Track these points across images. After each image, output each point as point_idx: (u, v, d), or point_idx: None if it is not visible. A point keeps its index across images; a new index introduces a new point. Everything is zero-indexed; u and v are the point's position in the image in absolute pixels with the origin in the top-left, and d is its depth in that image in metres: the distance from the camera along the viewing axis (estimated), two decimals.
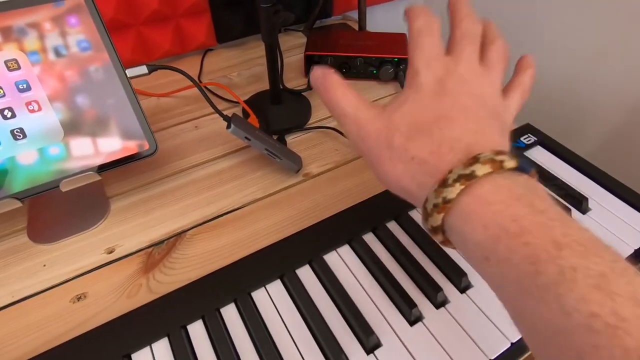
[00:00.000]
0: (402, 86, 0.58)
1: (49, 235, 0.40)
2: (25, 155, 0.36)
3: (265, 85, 0.57)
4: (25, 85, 0.35)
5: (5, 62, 0.34)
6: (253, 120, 0.49)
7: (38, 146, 0.36)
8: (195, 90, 0.58)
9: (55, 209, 0.42)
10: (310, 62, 0.59)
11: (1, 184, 0.35)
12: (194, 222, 0.42)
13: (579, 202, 0.36)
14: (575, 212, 0.36)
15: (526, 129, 0.44)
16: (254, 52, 0.67)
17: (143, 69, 0.40)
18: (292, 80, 0.61)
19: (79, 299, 0.35)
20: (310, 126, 0.52)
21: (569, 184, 0.38)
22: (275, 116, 0.52)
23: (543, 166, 0.40)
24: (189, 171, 0.47)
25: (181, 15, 0.61)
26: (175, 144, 0.50)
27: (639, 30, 0.58)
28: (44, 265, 0.38)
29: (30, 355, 0.30)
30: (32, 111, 0.35)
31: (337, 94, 0.23)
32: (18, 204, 0.36)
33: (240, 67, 0.64)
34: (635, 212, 0.35)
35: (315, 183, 0.46)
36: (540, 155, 0.41)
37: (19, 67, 0.35)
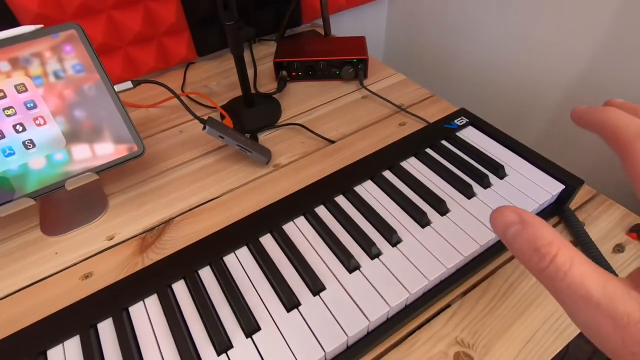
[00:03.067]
0: (361, 84, 0.65)
1: (58, 228, 0.47)
2: (36, 162, 0.43)
3: (240, 92, 0.65)
4: (32, 104, 0.43)
5: (15, 86, 0.42)
6: (228, 122, 0.56)
7: (45, 153, 0.43)
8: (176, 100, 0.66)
9: (62, 207, 0.49)
10: (279, 68, 0.66)
11: (17, 186, 0.42)
12: (180, 211, 0.49)
13: (496, 169, 0.43)
14: (493, 178, 0.43)
15: (461, 112, 0.51)
16: (230, 63, 0.75)
17: (128, 84, 0.47)
18: (266, 85, 0.68)
19: (86, 277, 0.43)
20: (280, 124, 0.60)
21: (490, 155, 0.45)
22: (249, 117, 0.59)
23: (471, 142, 0.47)
24: (175, 169, 0.55)
25: (162, 35, 0.68)
26: (162, 148, 0.58)
27: (570, 20, 0.65)
28: (56, 253, 0.45)
29: None
30: (39, 125, 0.43)
31: (572, 268, 0.15)
32: (32, 202, 0.43)
33: (219, 77, 0.72)
34: (544, 173, 0.42)
35: (283, 172, 0.53)
36: (469, 134, 0.48)
37: (26, 90, 0.42)
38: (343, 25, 0.91)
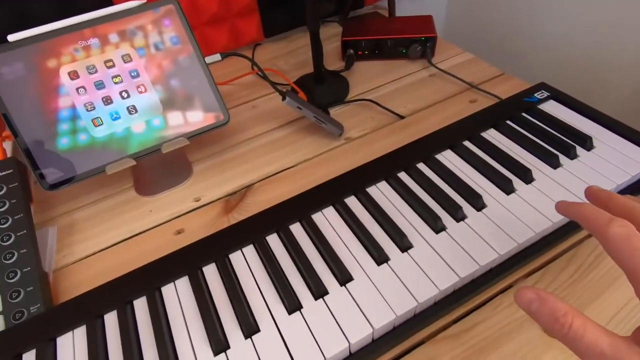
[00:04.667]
0: (429, 62, 0.65)
1: (150, 189, 0.52)
2: (137, 126, 0.47)
3: (307, 70, 0.67)
4: (136, 73, 0.47)
5: (122, 56, 0.46)
6: (302, 95, 0.58)
7: (145, 118, 0.48)
8: (250, 77, 0.70)
9: (153, 171, 0.53)
10: (346, 46, 0.67)
11: (122, 147, 0.47)
12: (259, 178, 0.52)
13: (584, 140, 0.42)
14: (580, 150, 0.42)
15: (540, 86, 0.50)
16: (297, 43, 0.77)
17: (217, 57, 0.50)
18: (331, 64, 0.70)
19: (179, 232, 0.47)
20: (349, 100, 0.61)
21: (577, 127, 0.44)
22: (320, 93, 0.61)
23: (555, 116, 0.46)
24: (251, 140, 0.58)
25: (235, 16, 0.72)
26: (238, 121, 0.61)
27: None
28: (150, 211, 0.50)
29: None
30: (141, 92, 0.47)
31: (586, 332, 0.20)
32: (133, 163, 0.47)
33: (286, 57, 0.74)
34: (634, 145, 0.41)
35: (355, 145, 0.54)
36: (552, 108, 0.47)
37: (131, 60, 0.47)
38: (402, 7, 0.91)
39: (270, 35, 0.77)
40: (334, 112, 0.60)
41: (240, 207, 0.48)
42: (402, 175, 0.42)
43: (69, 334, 0.33)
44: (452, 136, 0.45)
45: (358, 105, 0.61)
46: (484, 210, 0.37)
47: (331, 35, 0.78)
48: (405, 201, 0.39)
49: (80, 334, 0.33)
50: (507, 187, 0.39)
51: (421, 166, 0.43)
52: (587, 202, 0.27)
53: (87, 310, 0.34)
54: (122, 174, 0.54)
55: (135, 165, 0.48)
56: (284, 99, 0.51)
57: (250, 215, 0.41)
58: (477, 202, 0.38)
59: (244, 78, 0.68)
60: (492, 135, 0.45)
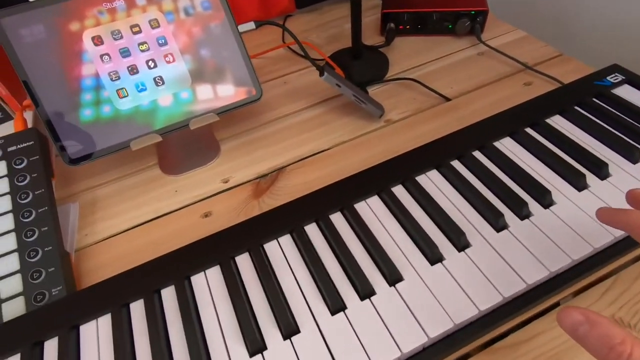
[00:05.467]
0: (479, 39, 0.59)
1: (175, 168, 0.48)
2: (164, 99, 0.44)
3: (340, 45, 0.62)
4: (163, 40, 0.43)
5: (149, 21, 0.42)
6: (339, 72, 0.54)
7: (173, 91, 0.44)
8: (280, 51, 0.65)
9: (178, 149, 0.50)
10: (386, 20, 0.62)
11: (147, 121, 0.43)
12: (291, 160, 0.48)
13: None
14: None
15: (613, 68, 0.44)
16: (329, 15, 0.72)
17: (251, 25, 0.46)
18: (369, 38, 0.65)
19: (206, 215, 0.44)
20: (388, 78, 0.56)
21: None
22: (357, 70, 0.56)
23: (631, 102, 0.40)
24: (282, 119, 0.54)
25: None
26: (267, 97, 0.57)
27: None
28: (176, 191, 0.47)
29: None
30: (169, 62, 0.43)
31: None
32: (159, 139, 0.44)
33: (317, 30, 0.69)
34: None
35: (395, 128, 0.50)
36: (627, 93, 0.42)
37: (158, 26, 0.43)
38: None
39: (302, 6, 0.71)
40: (372, 91, 0.55)
41: (272, 191, 0.45)
42: (456, 164, 0.37)
43: (93, 322, 0.31)
44: (511, 122, 0.40)
45: (399, 85, 0.56)
46: (552, 208, 0.33)
47: (369, 7, 0.72)
48: (461, 193, 0.35)
49: (104, 322, 0.31)
50: (579, 183, 0.34)
51: (477, 154, 0.38)
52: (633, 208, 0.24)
53: (112, 297, 0.32)
54: (146, 150, 0.51)
55: (160, 142, 0.45)
56: (321, 74, 0.46)
57: (285, 202, 0.37)
58: (545, 198, 0.33)
59: (274, 52, 0.63)
60: (558, 122, 0.40)
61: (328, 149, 0.49)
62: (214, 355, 0.28)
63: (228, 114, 0.47)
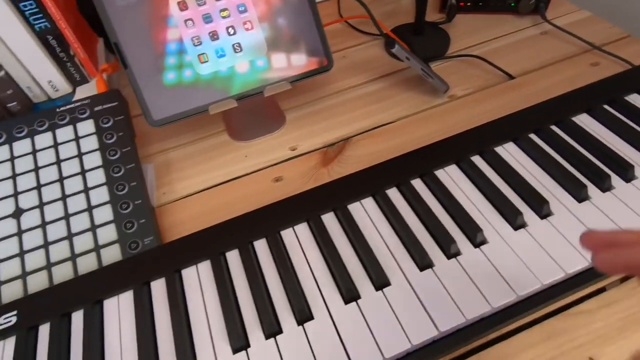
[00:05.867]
0: (543, 17, 0.59)
1: (244, 135, 0.50)
2: (241, 65, 0.45)
3: (396, 21, 0.62)
4: (243, 8, 0.44)
5: None
6: (403, 46, 0.54)
7: (249, 58, 0.45)
8: (338, 25, 0.65)
9: (246, 116, 0.52)
10: None
11: (225, 87, 0.45)
12: (356, 131, 0.49)
13: None
14: None
15: None
16: None
17: None
18: (428, 15, 0.64)
19: (277, 180, 0.45)
20: (450, 55, 0.56)
21: None
22: (418, 45, 0.56)
23: None
24: (344, 92, 0.55)
25: None
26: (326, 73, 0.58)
27: None
28: (245, 156, 0.49)
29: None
30: (247, 29, 0.45)
31: None
32: (234, 104, 0.46)
33: (374, 6, 0.69)
34: None
35: (459, 104, 0.51)
36: None
37: None
38: None
39: None
40: (434, 67, 0.56)
41: (339, 159, 0.46)
42: (534, 138, 0.38)
43: (193, 267, 0.33)
44: (587, 99, 0.40)
45: (461, 62, 0.56)
46: (634, 182, 0.34)
47: None
48: (542, 168, 0.36)
49: (204, 268, 0.33)
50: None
51: (555, 129, 0.39)
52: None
53: (209, 246, 0.34)
54: (213, 118, 0.53)
55: (228, 110, 0.46)
56: (392, 46, 0.47)
57: (355, 170, 0.39)
58: (627, 173, 0.34)
59: (330, 26, 0.64)
60: (636, 100, 0.40)
61: (392, 122, 0.50)
62: (282, 316, 0.30)
63: (295, 84, 0.48)
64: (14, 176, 0.42)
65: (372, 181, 0.37)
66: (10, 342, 0.31)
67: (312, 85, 0.56)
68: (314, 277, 0.32)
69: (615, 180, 0.34)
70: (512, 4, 0.60)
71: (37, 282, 0.37)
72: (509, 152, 0.38)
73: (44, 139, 0.44)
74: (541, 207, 0.33)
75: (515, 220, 0.32)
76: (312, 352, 0.28)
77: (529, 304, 0.30)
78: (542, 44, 0.56)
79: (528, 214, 0.33)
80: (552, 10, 0.61)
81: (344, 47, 0.62)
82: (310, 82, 0.56)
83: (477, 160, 0.37)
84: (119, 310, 0.32)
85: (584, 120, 0.39)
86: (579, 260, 0.30)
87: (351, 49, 0.61)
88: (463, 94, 0.52)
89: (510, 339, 0.31)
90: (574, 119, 0.39)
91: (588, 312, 0.32)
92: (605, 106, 0.40)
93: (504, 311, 0.30)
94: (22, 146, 0.44)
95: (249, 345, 0.29)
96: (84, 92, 0.53)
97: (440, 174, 0.37)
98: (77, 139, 0.44)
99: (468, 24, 0.61)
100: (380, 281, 0.30)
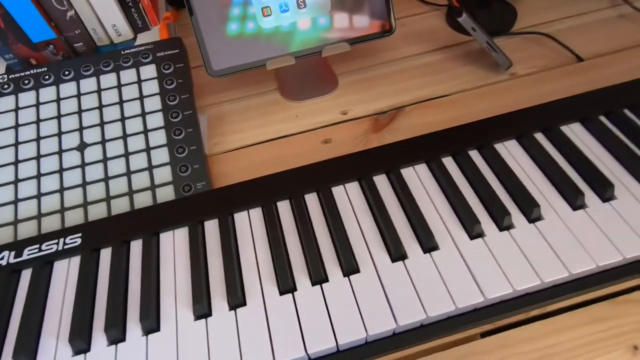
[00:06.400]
0: None
1: (296, 95, 0.50)
2: (303, 22, 0.45)
3: None
4: None
5: None
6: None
7: (312, 15, 0.45)
8: None
9: (299, 77, 0.52)
10: None
11: (285, 43, 0.45)
12: (410, 101, 0.48)
13: None
14: None
15: None
16: None
17: None
18: None
19: (326, 142, 0.46)
20: (516, 31, 0.54)
21: None
22: (483, 18, 0.54)
23: None
24: (401, 61, 0.53)
25: None
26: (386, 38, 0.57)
27: None
28: (296, 116, 0.49)
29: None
30: None
31: None
32: (292, 61, 0.46)
33: None
34: None
35: (520, 82, 0.48)
36: None
37: None
38: None
39: None
40: (498, 42, 0.53)
41: (390, 127, 0.46)
42: (605, 121, 0.36)
43: (245, 212, 0.35)
44: None
45: (526, 39, 0.53)
46: None
47: None
48: (609, 151, 0.34)
49: (255, 214, 0.34)
50: None
51: (603, 119, 0.37)
52: None
53: (262, 194, 0.35)
54: (266, 75, 0.53)
55: (282, 68, 0.46)
56: (460, 15, 0.45)
57: (420, 134, 0.39)
58: None
59: None
60: None
61: (448, 95, 0.48)
62: (328, 267, 0.31)
63: (353, 46, 0.47)
64: (79, 112, 0.44)
65: (427, 148, 0.36)
66: (76, 261, 0.34)
67: (368, 51, 0.55)
68: (362, 233, 0.32)
69: None
70: None
71: (97, 213, 0.39)
72: (575, 132, 0.36)
73: (108, 79, 0.46)
74: (605, 190, 0.31)
75: (575, 200, 0.31)
76: (356, 301, 0.29)
77: (578, 285, 0.30)
78: (619, 27, 0.53)
79: (590, 196, 0.32)
80: None
81: (404, 15, 0.60)
82: (366, 48, 0.55)
83: (539, 137, 0.36)
84: (174, 244, 0.34)
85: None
86: (638, 247, 0.29)
87: (411, 17, 0.59)
88: (525, 73, 0.49)
89: (552, 318, 0.31)
90: (625, 110, 0.37)
91: (636, 302, 0.31)
92: None
93: (553, 288, 0.29)
94: (88, 84, 0.46)
95: (295, 289, 0.30)
96: (144, 39, 0.54)
97: (499, 147, 0.36)
98: (139, 82, 0.45)
99: (538, 1, 0.58)
100: (428, 245, 0.31)
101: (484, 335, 0.31)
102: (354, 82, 0.52)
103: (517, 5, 0.57)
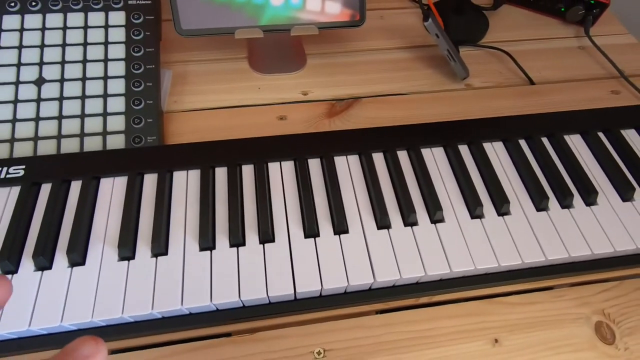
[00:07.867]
0: (586, 32, 0.57)
1: (263, 67, 0.52)
2: None
3: None
4: None
5: None
6: (439, 21, 0.54)
7: None
8: None
9: (270, 50, 0.53)
10: None
11: (255, 15, 0.46)
12: (369, 93, 0.51)
13: None
14: None
15: None
16: None
17: None
18: None
19: (281, 118, 0.48)
20: (483, 44, 0.56)
21: None
22: (455, 25, 0.56)
23: None
24: (370, 52, 0.55)
25: None
26: (360, 27, 0.58)
27: None
28: (259, 88, 0.51)
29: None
30: None
31: None
32: (261, 35, 0.47)
33: None
34: None
35: (474, 94, 0.52)
36: None
37: None
38: None
39: None
40: (463, 52, 0.56)
41: (344, 116, 0.49)
42: (522, 144, 0.40)
43: (184, 172, 0.37)
44: (586, 121, 0.42)
45: (489, 54, 0.56)
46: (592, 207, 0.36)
47: None
48: (517, 169, 0.38)
49: (194, 175, 0.37)
50: (626, 193, 0.37)
51: (545, 141, 0.41)
52: None
53: (202, 158, 0.38)
54: (238, 43, 0.54)
55: (255, 39, 0.48)
56: (426, 19, 0.47)
57: (361, 127, 0.41)
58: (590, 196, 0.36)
59: None
60: (631, 136, 0.41)
61: (406, 94, 0.51)
62: (277, 229, 0.34)
63: (326, 31, 0.49)
64: (42, 46, 0.45)
65: (363, 141, 0.39)
66: (15, 191, 0.36)
67: (341, 37, 0.56)
68: (285, 209, 0.35)
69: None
70: (562, 9, 0.58)
71: (46, 149, 0.41)
72: (495, 150, 0.40)
73: (75, 18, 0.46)
74: (501, 206, 0.36)
75: (474, 210, 0.35)
76: (344, 258, 0.33)
77: (463, 281, 0.34)
78: (575, 59, 0.56)
79: (488, 208, 0.36)
80: (599, 26, 0.60)
81: (386, 6, 0.61)
82: (339, 33, 0.57)
83: (462, 149, 0.40)
84: (112, 190, 0.36)
85: (575, 141, 0.41)
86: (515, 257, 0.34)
87: (392, 10, 0.61)
88: (480, 86, 0.52)
89: (436, 307, 0.36)
90: (565, 136, 0.41)
91: (509, 304, 0.36)
92: (600, 134, 0.41)
93: (441, 282, 0.34)
94: (54, 19, 0.46)
95: (214, 248, 0.33)
96: None
97: (425, 152, 0.39)
98: (106, 26, 0.46)
99: (512, 17, 0.60)
100: (340, 228, 0.34)
101: (379, 312, 0.36)
102: (322, 65, 0.54)
103: (492, 18, 0.59)
